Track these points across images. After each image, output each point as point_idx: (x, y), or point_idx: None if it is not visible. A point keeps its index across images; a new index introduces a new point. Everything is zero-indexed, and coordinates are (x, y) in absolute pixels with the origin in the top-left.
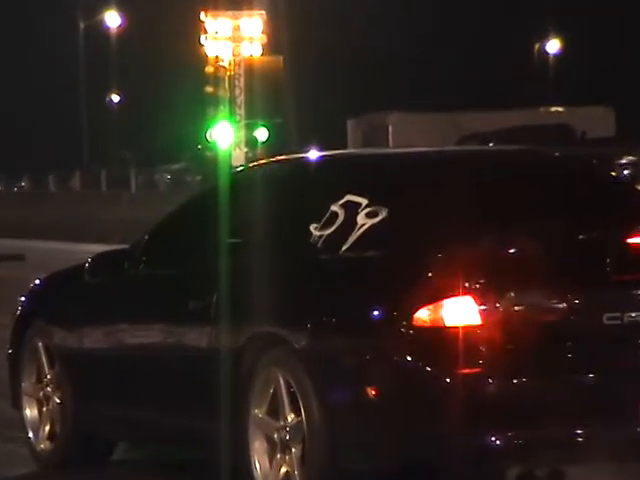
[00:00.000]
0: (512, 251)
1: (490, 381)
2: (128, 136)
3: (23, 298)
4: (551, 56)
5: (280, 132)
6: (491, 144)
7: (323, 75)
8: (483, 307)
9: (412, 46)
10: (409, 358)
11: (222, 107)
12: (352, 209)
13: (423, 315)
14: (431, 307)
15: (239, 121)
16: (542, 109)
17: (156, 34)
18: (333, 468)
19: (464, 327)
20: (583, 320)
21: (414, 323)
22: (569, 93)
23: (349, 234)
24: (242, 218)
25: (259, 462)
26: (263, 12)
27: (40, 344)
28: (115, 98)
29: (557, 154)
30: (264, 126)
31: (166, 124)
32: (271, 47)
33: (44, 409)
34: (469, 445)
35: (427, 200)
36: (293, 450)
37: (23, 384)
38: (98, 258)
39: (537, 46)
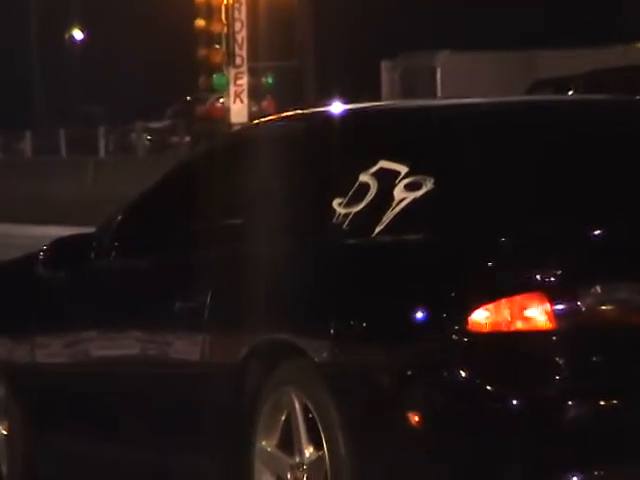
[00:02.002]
0: (596, 234)
1: (570, 404)
2: (95, 85)
3: None
4: None
5: (294, 79)
6: (570, 92)
7: (350, 4)
8: (560, 306)
9: None
10: (463, 374)
11: (217, 46)
12: (387, 179)
13: (481, 318)
14: (491, 307)
15: (240, 65)
16: (636, 45)
17: None
18: None
19: (535, 332)
20: None
21: (469, 328)
22: None
23: (384, 212)
24: (244, 192)
25: None
26: None
27: None
28: (77, 35)
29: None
30: (273, 71)
31: (145, 69)
32: None
33: None
34: None
35: (486, 168)
36: None
37: None
38: (55, 246)
39: None
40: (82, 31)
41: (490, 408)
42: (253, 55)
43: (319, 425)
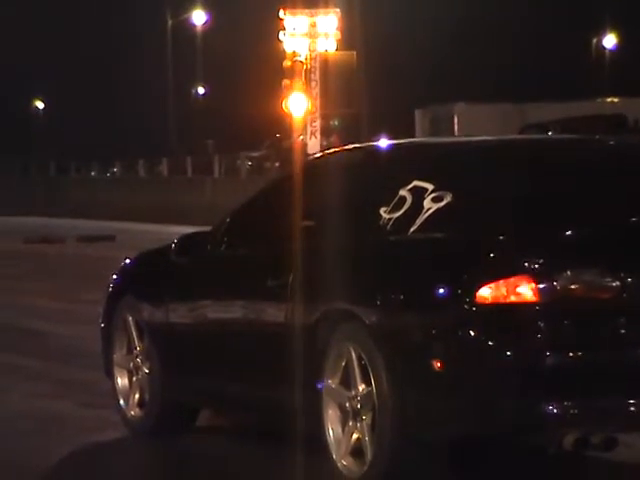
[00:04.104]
0: (568, 234)
1: (548, 354)
2: (212, 125)
3: (115, 276)
4: (607, 51)
5: (353, 122)
6: (550, 133)
7: (393, 69)
8: (541, 285)
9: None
10: (472, 333)
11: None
12: (419, 194)
13: (485, 293)
14: (492, 285)
15: (314, 112)
16: (599, 100)
17: (238, 31)
18: (401, 435)
19: (523, 304)
20: (635, 297)
21: (477, 300)
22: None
23: (416, 217)
24: (316, 202)
25: (332, 429)
26: (338, 10)
27: (130, 318)
28: (200, 90)
29: (612, 141)
30: (339, 116)
31: (247, 114)
32: (345, 43)
33: (134, 379)
34: (527, 413)
35: (488, 185)
36: (364, 418)
37: (114, 355)
38: (183, 239)
39: (594, 41)
40: (204, 87)
41: (492, 357)
42: (324, 104)
43: (369, 368)
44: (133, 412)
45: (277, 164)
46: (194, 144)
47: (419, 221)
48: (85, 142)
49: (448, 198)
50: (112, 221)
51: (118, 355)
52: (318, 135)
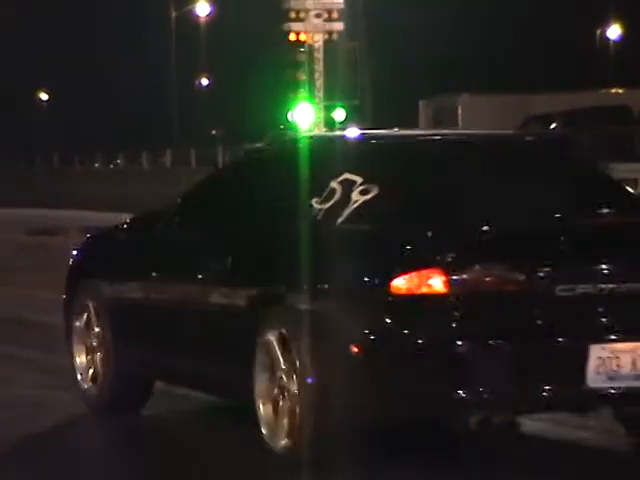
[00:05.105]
0: (478, 232)
1: (459, 342)
2: (216, 116)
3: (74, 255)
4: (612, 42)
5: (356, 113)
6: (554, 125)
7: (396, 60)
8: (452, 278)
9: (483, 32)
10: (387, 321)
11: (302, 90)
12: (349, 186)
13: (399, 283)
14: (407, 277)
15: (318, 103)
16: (604, 91)
17: (242, 23)
18: (323, 416)
19: (435, 295)
20: (538, 290)
21: (391, 290)
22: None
23: (344, 208)
24: (256, 190)
25: (262, 406)
26: (341, 1)
27: (87, 297)
28: (204, 81)
29: (529, 138)
30: (342, 107)
31: (251, 105)
32: (348, 34)
33: (90, 356)
34: (441, 399)
35: (411, 181)
36: (290, 397)
37: (74, 333)
38: (135, 218)
39: (599, 32)
40: (208, 79)
41: (404, 343)
42: (327, 96)
43: (294, 351)
44: (86, 386)
45: None
46: (198, 135)
47: (346, 212)
48: (88, 134)
49: (374, 191)
50: (116, 212)
51: (77, 332)
52: (322, 127)
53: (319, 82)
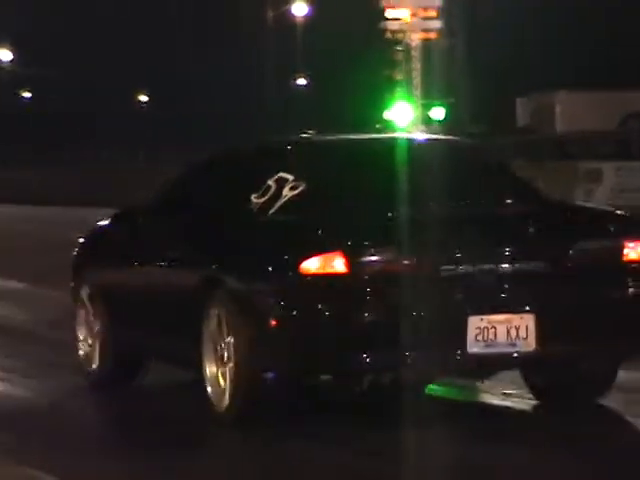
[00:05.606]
0: (376, 221)
1: (358, 315)
2: (314, 116)
3: (76, 249)
4: None
5: (454, 111)
6: None
7: (494, 57)
8: (352, 260)
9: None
10: (296, 297)
11: (399, 89)
12: (282, 183)
13: (308, 265)
14: (314, 259)
15: (416, 101)
16: None
17: (339, 23)
18: (252, 377)
19: (337, 275)
20: (424, 270)
21: (300, 271)
22: None
23: (276, 202)
24: (216, 186)
25: (209, 370)
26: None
27: (85, 285)
28: (301, 81)
29: (448, 141)
30: (440, 105)
31: (348, 105)
32: (445, 33)
33: (90, 336)
34: (345, 361)
35: (331, 178)
36: (229, 362)
37: (77, 315)
38: (119, 213)
39: None
40: (305, 78)
41: (311, 316)
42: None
43: (230, 325)
44: (82, 351)
45: None
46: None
47: (277, 205)
48: (181, 133)
49: (301, 187)
50: None
51: (80, 316)
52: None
53: (416, 80)
